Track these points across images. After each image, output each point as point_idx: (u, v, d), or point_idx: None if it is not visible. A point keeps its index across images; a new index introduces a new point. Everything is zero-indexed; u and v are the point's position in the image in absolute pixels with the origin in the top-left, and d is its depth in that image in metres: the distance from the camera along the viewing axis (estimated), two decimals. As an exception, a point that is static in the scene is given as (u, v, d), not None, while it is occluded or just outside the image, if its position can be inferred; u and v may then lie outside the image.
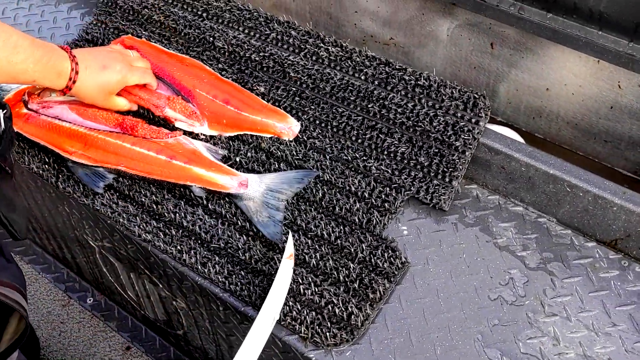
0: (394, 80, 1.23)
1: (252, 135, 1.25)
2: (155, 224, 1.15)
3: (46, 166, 1.25)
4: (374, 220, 1.13)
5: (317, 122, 1.25)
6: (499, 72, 1.63)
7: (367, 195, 1.16)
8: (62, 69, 1.11)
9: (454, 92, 1.19)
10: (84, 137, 1.22)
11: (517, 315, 1.03)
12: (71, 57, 1.12)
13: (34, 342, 1.54)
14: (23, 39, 1.06)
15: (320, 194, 1.16)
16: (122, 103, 1.24)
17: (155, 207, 1.17)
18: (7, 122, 0.85)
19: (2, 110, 0.85)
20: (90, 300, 1.65)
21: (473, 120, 1.16)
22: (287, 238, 1.09)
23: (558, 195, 1.11)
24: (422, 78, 1.21)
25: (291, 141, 1.24)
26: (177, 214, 1.16)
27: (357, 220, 1.13)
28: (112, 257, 1.33)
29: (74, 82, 1.13)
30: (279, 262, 1.08)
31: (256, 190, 1.15)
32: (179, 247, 1.12)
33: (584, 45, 1.33)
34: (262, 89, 1.31)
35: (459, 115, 1.17)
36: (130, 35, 1.42)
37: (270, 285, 1.06)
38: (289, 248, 1.07)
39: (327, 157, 1.21)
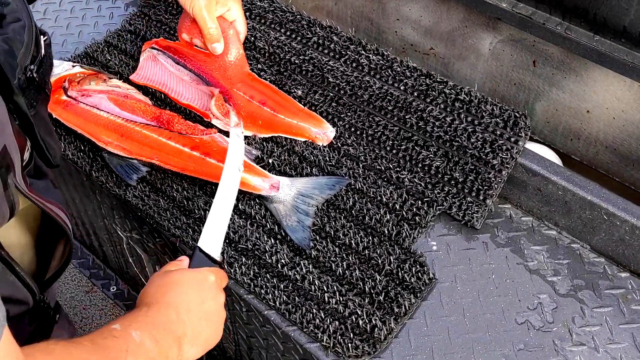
0: (434, 92, 1.22)
1: (286, 138, 1.25)
2: (185, 220, 1.15)
3: (81, 154, 1.26)
4: (404, 233, 1.12)
5: (353, 129, 1.24)
6: (539, 91, 1.61)
7: (398, 207, 1.14)
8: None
9: (495, 109, 1.17)
10: (120, 128, 1.23)
11: (544, 342, 1.01)
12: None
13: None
14: None
15: (351, 202, 1.16)
16: None
17: (186, 202, 1.17)
18: (47, 49, 0.83)
19: (43, 37, 0.83)
20: (113, 288, 1.66)
21: (512, 139, 1.14)
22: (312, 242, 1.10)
23: (594, 222, 1.09)
24: (463, 93, 1.20)
25: (325, 147, 1.23)
26: (208, 212, 1.16)
27: (386, 231, 1.12)
28: (140, 249, 1.34)
29: None
30: (305, 269, 1.08)
31: (287, 193, 1.14)
32: (206, 245, 1.12)
33: (630, 69, 1.30)
34: (300, 92, 1.30)
35: (498, 133, 1.15)
36: (162, 38, 1.42)
37: (295, 290, 1.05)
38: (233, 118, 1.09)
39: (360, 165, 1.20)
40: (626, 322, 1.02)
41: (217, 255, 0.98)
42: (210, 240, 0.99)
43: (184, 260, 0.96)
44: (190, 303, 0.87)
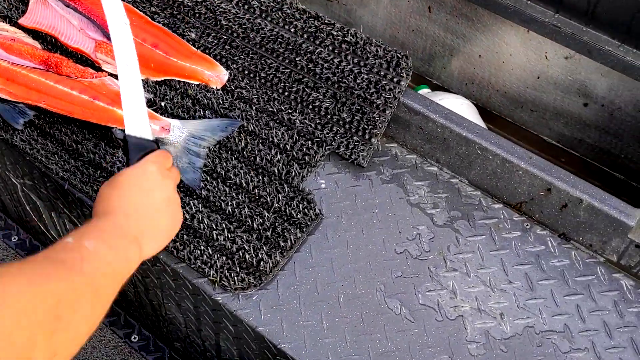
0: (322, 34, 1.24)
1: (179, 81, 1.25)
2: (73, 163, 1.15)
3: (-34, 99, 1.23)
4: (293, 172, 1.15)
5: (246, 72, 1.26)
6: (436, 37, 1.66)
7: (288, 148, 1.18)
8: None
9: (379, 50, 1.20)
10: (6, 71, 1.20)
11: (420, 269, 1.07)
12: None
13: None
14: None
15: (243, 144, 1.18)
16: None
17: (75, 146, 1.17)
18: None
19: None
20: (15, 238, 1.64)
21: (395, 80, 1.18)
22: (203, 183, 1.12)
23: (470, 157, 1.15)
24: (350, 34, 1.22)
25: (218, 90, 1.24)
26: (97, 154, 1.16)
27: (276, 171, 1.15)
28: (34, 196, 1.33)
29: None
30: (195, 208, 1.10)
31: (178, 135, 1.15)
32: (95, 188, 1.12)
33: (512, 13, 1.36)
34: (193, 35, 1.30)
35: (382, 74, 1.19)
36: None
37: (184, 229, 1.08)
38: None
39: (253, 107, 1.22)
40: (496, 249, 1.10)
41: (148, 136, 0.98)
42: (135, 122, 0.99)
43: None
44: (136, 202, 0.88)
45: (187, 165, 1.14)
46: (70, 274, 0.71)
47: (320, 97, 1.21)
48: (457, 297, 1.05)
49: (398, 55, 1.19)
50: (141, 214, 0.88)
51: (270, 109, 1.22)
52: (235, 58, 1.27)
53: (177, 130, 1.16)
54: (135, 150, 0.97)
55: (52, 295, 0.65)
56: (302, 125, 1.20)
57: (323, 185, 1.17)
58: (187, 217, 1.09)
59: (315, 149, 1.18)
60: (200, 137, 1.16)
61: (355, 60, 1.21)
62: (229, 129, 1.19)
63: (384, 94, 1.17)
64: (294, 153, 1.17)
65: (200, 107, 1.22)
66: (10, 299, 0.60)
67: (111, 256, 0.79)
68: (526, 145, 1.62)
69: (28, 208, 1.42)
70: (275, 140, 1.19)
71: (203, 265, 1.05)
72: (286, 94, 1.23)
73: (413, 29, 1.68)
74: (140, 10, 1.32)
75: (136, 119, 1.00)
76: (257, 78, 1.25)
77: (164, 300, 1.22)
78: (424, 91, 1.66)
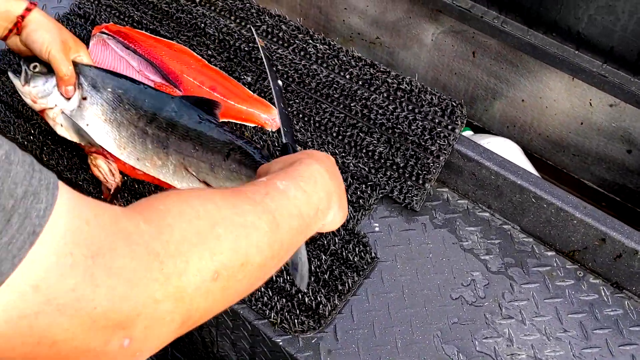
0: (377, 82, 1.28)
1: (235, 124, 1.29)
2: (119, 195, 1.18)
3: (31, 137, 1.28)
4: (348, 215, 1.18)
5: (301, 115, 1.29)
6: (479, 80, 1.69)
7: (343, 191, 1.20)
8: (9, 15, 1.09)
9: (434, 98, 1.24)
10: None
11: (476, 315, 1.09)
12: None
13: None
14: None
15: (298, 186, 1.21)
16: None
17: (137, 186, 1.20)
18: None
19: None
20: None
21: (449, 127, 1.21)
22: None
23: (523, 205, 1.17)
24: (405, 82, 1.26)
25: (274, 132, 1.28)
26: (140, 184, 1.19)
27: (331, 214, 1.18)
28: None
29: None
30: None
31: None
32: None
33: (560, 62, 1.39)
34: (249, 79, 1.34)
35: (437, 121, 1.22)
36: (112, 22, 1.43)
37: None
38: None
39: (308, 150, 1.25)
40: (550, 297, 1.11)
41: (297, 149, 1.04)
42: (288, 134, 1.07)
43: None
44: (329, 170, 0.82)
45: None
46: (250, 202, 0.65)
47: (375, 141, 1.24)
48: (514, 345, 1.06)
49: (453, 103, 1.22)
50: (335, 182, 0.82)
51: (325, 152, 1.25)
52: (290, 102, 1.31)
53: None
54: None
55: (234, 213, 0.61)
56: (355, 169, 1.23)
57: (377, 229, 1.20)
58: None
59: (369, 192, 1.21)
60: None
61: (410, 107, 1.24)
62: None
63: (438, 141, 1.20)
64: (349, 196, 1.20)
65: (257, 149, 1.26)
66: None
67: (301, 200, 0.71)
68: (567, 188, 1.64)
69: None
70: (330, 184, 1.21)
71: (264, 307, 1.07)
72: (340, 137, 1.26)
73: (456, 72, 1.72)
74: (197, 54, 1.37)
75: (288, 132, 1.08)
76: (312, 122, 1.28)
77: (218, 338, 1.24)
78: (467, 133, 1.69)
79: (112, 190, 1.10)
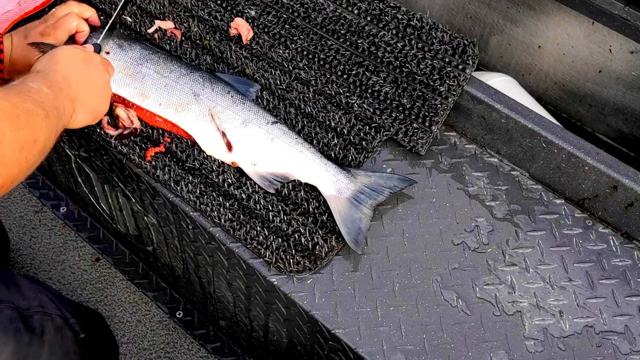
0: (386, 17, 1.22)
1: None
2: (132, 138, 1.15)
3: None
4: (350, 157, 1.14)
5: (305, 52, 1.24)
6: (494, 25, 1.62)
7: (345, 132, 1.16)
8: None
9: (445, 36, 1.18)
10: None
11: (478, 262, 1.05)
12: None
13: (5, 242, 1.55)
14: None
15: (300, 126, 1.16)
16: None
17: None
18: None
19: None
20: (63, 209, 1.65)
21: (460, 67, 1.16)
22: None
23: (533, 150, 1.12)
24: (415, 18, 1.20)
25: (276, 70, 1.23)
26: (155, 131, 1.15)
27: (333, 155, 1.14)
28: (88, 168, 1.33)
29: (2, 61, 1.11)
30: (251, 189, 1.09)
31: (347, 187, 1.09)
32: (153, 163, 1.12)
33: (580, 4, 1.32)
34: (253, 13, 1.29)
35: (447, 60, 1.17)
36: None
37: (240, 209, 1.07)
38: None
39: (311, 89, 1.20)
40: (557, 245, 1.07)
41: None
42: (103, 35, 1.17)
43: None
44: (78, 74, 1.00)
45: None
46: (20, 95, 0.84)
47: (381, 81, 1.19)
48: (516, 293, 1.02)
49: (465, 42, 1.16)
50: (81, 85, 0.99)
51: (328, 92, 1.20)
52: (295, 38, 1.25)
53: (346, 180, 1.09)
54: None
55: (12, 105, 0.80)
56: (360, 109, 1.18)
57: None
58: (244, 196, 1.09)
59: (372, 134, 1.16)
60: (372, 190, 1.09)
61: (420, 45, 1.19)
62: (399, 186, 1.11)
63: (447, 81, 1.15)
64: (351, 138, 1.16)
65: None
66: None
67: (51, 98, 0.89)
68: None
69: (80, 180, 1.43)
70: (333, 124, 1.17)
71: (259, 246, 1.04)
72: (345, 76, 1.21)
73: (471, 15, 1.65)
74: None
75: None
76: (316, 59, 1.23)
77: (215, 278, 1.22)
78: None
79: (126, 132, 1.15)
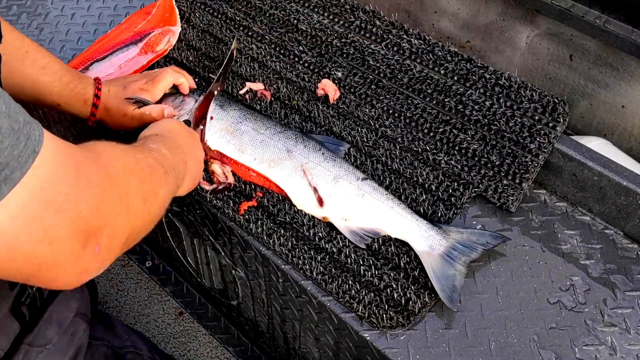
0: (474, 77, 1.24)
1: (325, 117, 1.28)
2: (226, 193, 1.19)
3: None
4: (439, 213, 1.14)
5: (391, 111, 1.27)
6: (575, 85, 1.62)
7: (434, 188, 1.17)
8: (87, 96, 1.17)
9: (534, 94, 1.19)
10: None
11: (575, 322, 1.02)
12: (97, 84, 1.18)
13: (93, 295, 1.60)
14: (54, 63, 1.12)
15: (387, 182, 1.18)
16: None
17: (227, 176, 1.21)
18: None
19: None
20: (148, 263, 1.70)
21: (550, 125, 1.16)
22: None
23: (628, 209, 1.10)
24: (503, 78, 1.22)
25: (362, 128, 1.26)
26: (248, 186, 1.19)
27: (422, 210, 1.14)
28: (178, 222, 1.37)
29: (96, 106, 1.18)
30: (342, 242, 1.11)
31: (440, 243, 1.10)
32: (246, 217, 1.15)
33: (669, 63, 1.31)
34: (340, 75, 1.33)
35: (537, 118, 1.17)
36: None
37: (332, 262, 1.08)
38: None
39: (397, 146, 1.23)
40: (658, 307, 1.04)
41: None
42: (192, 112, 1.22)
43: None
44: (188, 144, 1.06)
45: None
46: (143, 152, 0.89)
47: (469, 138, 1.20)
48: (617, 354, 0.99)
49: (555, 100, 1.17)
50: (189, 152, 1.05)
51: (415, 149, 1.22)
52: (381, 97, 1.29)
53: (439, 237, 1.09)
54: None
55: (136, 160, 0.83)
56: (447, 166, 1.19)
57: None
58: (335, 250, 1.10)
59: (461, 190, 1.16)
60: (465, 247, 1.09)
61: (508, 103, 1.20)
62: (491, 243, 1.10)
63: (538, 139, 1.15)
64: (440, 194, 1.16)
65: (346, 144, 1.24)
66: (119, 160, 0.79)
67: (170, 159, 0.94)
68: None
69: (169, 234, 1.47)
70: (420, 180, 1.18)
71: (351, 300, 1.05)
72: (432, 134, 1.23)
73: (550, 76, 1.65)
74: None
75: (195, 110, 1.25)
76: (402, 118, 1.26)
77: (301, 333, 1.22)
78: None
79: (221, 187, 1.19)
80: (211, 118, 1.23)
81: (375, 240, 1.11)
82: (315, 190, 1.15)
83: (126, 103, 1.19)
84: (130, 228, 0.75)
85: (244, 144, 1.20)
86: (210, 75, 1.38)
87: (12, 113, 0.58)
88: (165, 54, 1.43)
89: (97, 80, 1.19)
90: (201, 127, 1.21)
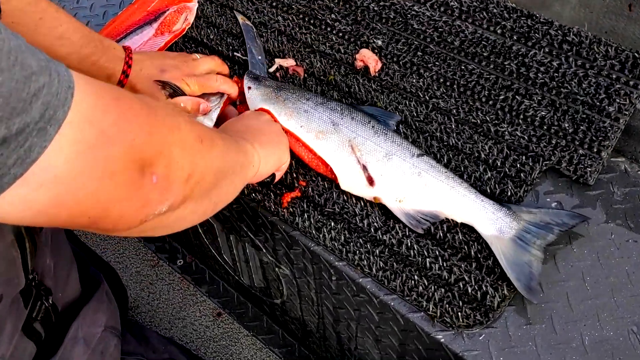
0: (537, 34, 1.09)
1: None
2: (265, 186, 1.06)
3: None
4: (509, 192, 1.00)
5: (442, 80, 1.13)
6: (636, 39, 1.46)
7: (499, 164, 1.03)
8: (112, 72, 1.02)
9: (610, 50, 1.04)
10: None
11: (681, 308, 0.89)
12: (127, 58, 1.03)
13: (123, 299, 1.49)
14: (73, 32, 0.96)
15: (445, 160, 1.05)
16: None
17: (265, 164, 1.08)
18: None
19: None
20: (180, 262, 1.59)
21: (631, 83, 1.01)
22: None
23: None
24: (572, 33, 1.07)
25: (410, 101, 1.12)
26: (289, 175, 1.06)
27: (488, 190, 1.01)
28: (212, 218, 1.25)
29: (123, 85, 1.03)
30: (401, 232, 0.98)
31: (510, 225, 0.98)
32: (291, 210, 1.03)
33: None
34: (380, 43, 1.19)
35: (614, 76, 1.03)
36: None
37: (392, 256, 0.96)
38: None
39: (453, 119, 1.09)
40: None
41: None
42: None
43: None
44: (254, 129, 0.99)
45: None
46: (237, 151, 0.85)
47: (535, 105, 1.06)
48: None
49: (635, 54, 1.02)
50: (258, 138, 0.96)
51: (473, 120, 1.08)
52: (429, 65, 1.15)
53: (508, 218, 0.96)
54: None
55: (223, 160, 0.79)
56: (512, 138, 1.05)
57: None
58: (394, 242, 0.97)
59: (530, 164, 1.03)
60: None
61: (580, 62, 1.05)
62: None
63: (617, 100, 1.01)
64: (506, 170, 1.03)
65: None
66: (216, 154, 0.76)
67: (248, 150, 0.89)
68: None
69: (201, 230, 1.35)
70: (482, 156, 1.04)
71: (419, 298, 0.92)
72: (491, 103, 1.09)
73: (606, 30, 1.49)
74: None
75: None
76: (456, 86, 1.12)
77: (359, 334, 1.10)
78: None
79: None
80: (249, 88, 1.10)
81: (439, 227, 0.98)
82: (364, 168, 1.01)
83: (157, 86, 1.05)
84: (190, 163, 0.68)
85: (289, 109, 1.07)
86: (235, 54, 1.24)
87: (35, 51, 0.51)
88: (184, 33, 1.30)
89: (128, 52, 1.04)
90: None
